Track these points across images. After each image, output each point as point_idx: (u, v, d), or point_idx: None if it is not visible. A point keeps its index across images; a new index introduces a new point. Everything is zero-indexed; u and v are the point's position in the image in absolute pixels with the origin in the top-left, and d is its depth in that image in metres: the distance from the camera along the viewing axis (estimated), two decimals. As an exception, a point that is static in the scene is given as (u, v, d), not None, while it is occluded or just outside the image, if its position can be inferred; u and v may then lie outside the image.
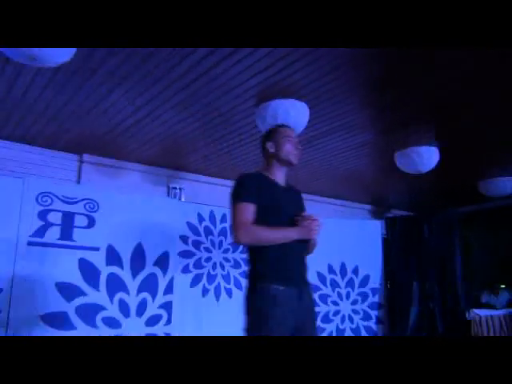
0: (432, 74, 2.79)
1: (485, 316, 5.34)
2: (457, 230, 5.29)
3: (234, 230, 1.95)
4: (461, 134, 3.80)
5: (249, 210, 1.96)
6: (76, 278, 3.30)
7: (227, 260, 4.27)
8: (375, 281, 4.90)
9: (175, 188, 4.48)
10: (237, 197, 2.01)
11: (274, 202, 2.03)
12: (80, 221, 3.42)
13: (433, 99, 3.15)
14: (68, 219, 3.38)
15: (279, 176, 2.13)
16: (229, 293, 4.16)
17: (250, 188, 2.02)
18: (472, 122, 3.55)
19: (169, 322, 3.68)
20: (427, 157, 4.00)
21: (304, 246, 2.07)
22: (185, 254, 3.99)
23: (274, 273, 1.94)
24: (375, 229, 5.11)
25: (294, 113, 3.10)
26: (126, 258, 3.56)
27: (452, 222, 5.14)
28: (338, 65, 2.65)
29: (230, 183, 4.73)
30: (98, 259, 3.44)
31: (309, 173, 4.85)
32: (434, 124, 3.62)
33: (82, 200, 3.48)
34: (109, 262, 3.48)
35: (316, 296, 4.62)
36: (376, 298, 4.89)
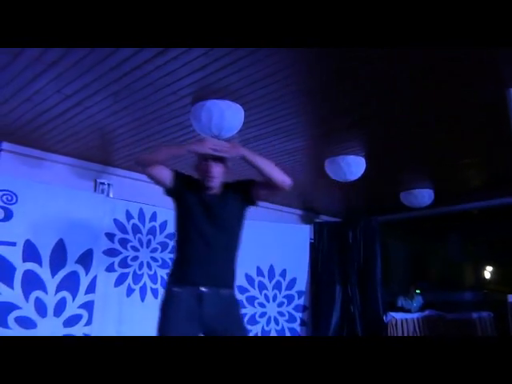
0: (361, 87, 2.93)
1: (400, 319, 5.66)
2: (378, 238, 5.57)
3: None
4: (386, 146, 4.02)
5: None
6: (-13, 275, 3.10)
7: (155, 260, 4.17)
8: (301, 284, 5.03)
9: (103, 183, 4.30)
10: None
11: None
12: (-5, 213, 3.21)
13: (362, 111, 3.30)
14: (-19, 211, 3.16)
15: None
16: (155, 293, 4.07)
17: None
18: (395, 136, 3.76)
19: (89, 322, 3.53)
20: (355, 166, 4.18)
21: None
22: (110, 252, 3.86)
23: None
24: (304, 233, 5.25)
25: (229, 114, 3.10)
26: (46, 255, 3.39)
27: (374, 229, 5.39)
28: (275, 70, 2.69)
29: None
30: (14, 255, 3.24)
31: (242, 176, 4.86)
32: (363, 134, 3.79)
33: (-1, 191, 3.27)
34: (26, 259, 3.29)
35: (243, 298, 4.65)
36: (301, 301, 5.01)
